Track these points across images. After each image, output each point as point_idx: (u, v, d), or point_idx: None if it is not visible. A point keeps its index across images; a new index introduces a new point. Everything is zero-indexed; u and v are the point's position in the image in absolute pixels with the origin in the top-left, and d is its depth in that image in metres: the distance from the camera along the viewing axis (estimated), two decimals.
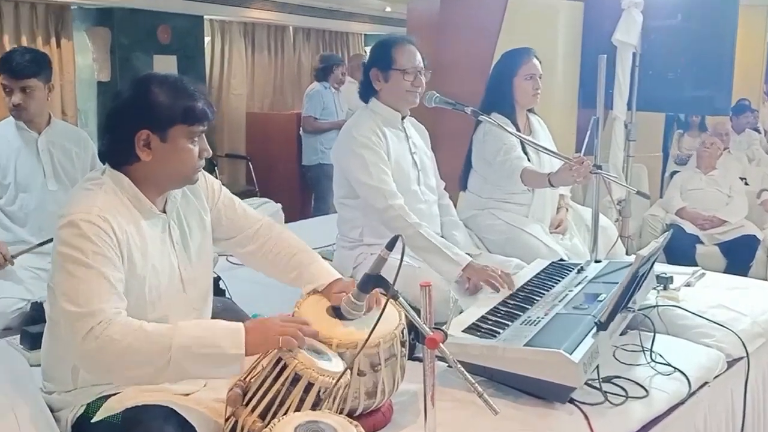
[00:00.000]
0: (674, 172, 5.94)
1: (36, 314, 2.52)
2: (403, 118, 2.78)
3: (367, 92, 2.76)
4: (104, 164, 1.75)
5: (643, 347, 2.29)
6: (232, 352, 1.55)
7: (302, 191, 6.87)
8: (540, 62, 3.11)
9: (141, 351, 1.51)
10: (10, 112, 2.89)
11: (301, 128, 6.36)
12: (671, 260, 4.36)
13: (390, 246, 1.64)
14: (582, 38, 4.43)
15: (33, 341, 2.24)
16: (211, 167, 6.48)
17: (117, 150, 1.71)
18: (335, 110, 6.20)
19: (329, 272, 1.96)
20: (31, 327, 2.34)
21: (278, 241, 2.02)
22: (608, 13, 4.13)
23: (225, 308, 2.37)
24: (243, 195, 5.81)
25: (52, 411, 1.72)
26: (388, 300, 1.59)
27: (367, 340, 1.57)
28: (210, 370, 1.57)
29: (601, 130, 3.01)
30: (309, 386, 1.55)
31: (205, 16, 7.00)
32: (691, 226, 4.95)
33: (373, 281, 1.68)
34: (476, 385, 1.50)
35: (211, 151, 1.78)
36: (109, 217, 1.62)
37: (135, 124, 1.67)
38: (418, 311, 1.70)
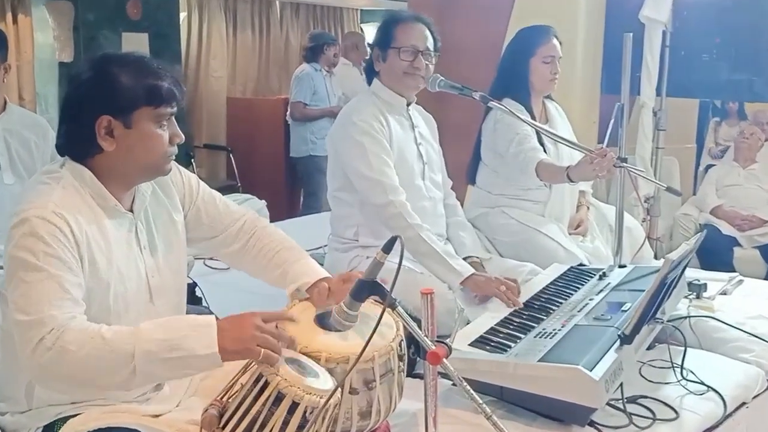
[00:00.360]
0: (709, 166, 5.95)
1: None
2: (408, 104, 2.79)
3: (369, 74, 2.80)
4: (63, 157, 1.74)
5: (672, 363, 2.29)
6: (204, 353, 1.52)
7: (290, 186, 6.87)
8: (560, 43, 3.11)
9: (102, 360, 1.49)
10: None
11: (288, 115, 6.35)
12: (706, 265, 4.35)
13: (387, 248, 1.63)
14: (605, 15, 4.41)
15: None
16: (187, 160, 6.48)
17: (76, 140, 1.70)
18: (327, 95, 6.20)
19: (315, 270, 1.97)
20: None
21: (263, 236, 2.03)
22: None
23: None
24: (223, 190, 5.72)
25: None
26: (384, 309, 1.58)
27: (361, 353, 1.56)
28: (183, 371, 1.57)
29: (626, 119, 3.00)
30: (294, 406, 1.53)
31: None
32: (727, 226, 4.96)
33: (368, 288, 1.67)
34: (484, 405, 1.50)
35: (183, 136, 1.77)
36: (67, 215, 1.61)
37: (94, 110, 1.66)
38: (419, 322, 1.70)
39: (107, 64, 1.69)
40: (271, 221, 4.22)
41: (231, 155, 7.15)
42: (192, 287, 2.66)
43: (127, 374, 1.50)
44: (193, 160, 6.78)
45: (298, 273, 1.96)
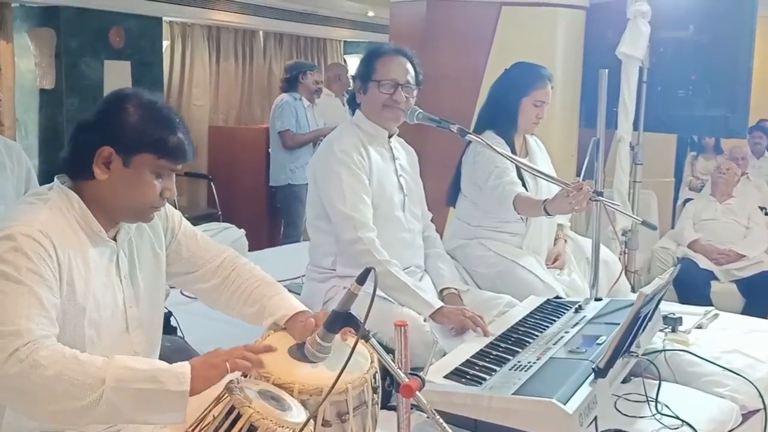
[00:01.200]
0: (688, 200, 6.02)
1: None
2: (390, 136, 2.82)
3: (352, 105, 2.85)
4: (58, 175, 1.76)
5: (647, 397, 2.30)
6: (175, 389, 1.52)
7: (271, 216, 6.86)
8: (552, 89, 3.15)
9: (70, 382, 1.48)
10: None
11: (280, 146, 6.22)
12: (683, 299, 4.39)
13: (361, 280, 1.64)
14: (583, 50, 4.48)
15: None
16: None
17: (74, 160, 1.73)
18: (308, 125, 6.18)
19: (292, 305, 1.97)
20: None
21: (241, 273, 2.03)
22: (613, 22, 4.18)
23: (176, 348, 2.36)
24: (204, 219, 5.82)
25: None
26: (357, 341, 1.58)
27: (333, 385, 1.56)
28: (147, 413, 1.54)
29: (602, 153, 3.03)
30: None
31: (163, 18, 7.03)
32: (705, 260, 5.00)
33: (342, 319, 1.67)
34: None
35: (175, 192, 1.79)
36: (52, 235, 1.61)
37: (100, 138, 1.69)
38: (394, 354, 1.69)
39: (126, 100, 1.72)
40: (252, 250, 4.25)
41: (212, 183, 7.14)
42: (167, 316, 2.64)
43: (92, 401, 1.48)
44: None
45: (275, 306, 1.96)
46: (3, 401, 1.63)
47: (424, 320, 2.54)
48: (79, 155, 1.71)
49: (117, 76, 6.31)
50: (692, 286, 4.72)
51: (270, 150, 6.36)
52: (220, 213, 6.78)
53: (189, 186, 7.51)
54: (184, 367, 1.57)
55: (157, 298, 1.90)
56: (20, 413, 1.64)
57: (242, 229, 4.17)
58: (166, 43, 7.29)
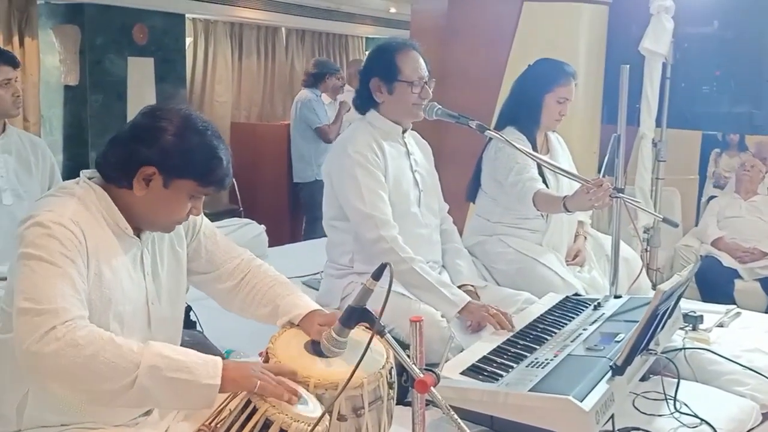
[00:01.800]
0: (712, 197, 5.95)
1: None
2: (404, 131, 2.81)
3: (365, 103, 2.78)
4: (84, 171, 1.78)
5: (666, 395, 2.28)
6: (206, 382, 1.55)
7: (292, 212, 6.89)
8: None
9: (106, 363, 1.50)
10: (12, 110, 3.01)
11: (310, 140, 6.21)
12: (706, 297, 4.36)
13: (377, 275, 1.64)
14: (606, 46, 4.45)
15: None
16: None
17: (116, 167, 1.73)
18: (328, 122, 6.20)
19: (307, 304, 1.97)
20: None
21: (256, 274, 2.03)
22: (636, 18, 4.16)
23: (195, 342, 2.38)
24: (225, 215, 5.86)
25: None
26: (372, 337, 1.59)
27: (348, 380, 1.56)
28: (177, 400, 1.57)
29: (623, 150, 3.01)
30: None
31: (186, 15, 7.07)
32: (728, 258, 4.94)
33: (358, 315, 1.68)
34: None
35: (201, 213, 1.84)
36: (82, 224, 1.64)
37: (149, 156, 1.69)
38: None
39: (186, 125, 1.72)
40: (272, 245, 4.26)
41: (234, 180, 7.16)
42: (187, 310, 2.66)
43: (125, 384, 1.50)
44: None
45: (290, 305, 1.96)
46: (37, 383, 1.63)
47: (442, 316, 2.54)
48: (121, 164, 1.72)
49: (140, 72, 6.37)
50: (715, 285, 4.67)
51: (292, 146, 6.38)
52: (241, 209, 6.81)
53: None
54: (216, 363, 1.59)
55: (178, 295, 1.91)
56: (50, 391, 1.64)
57: (263, 225, 4.18)
58: (189, 40, 7.33)
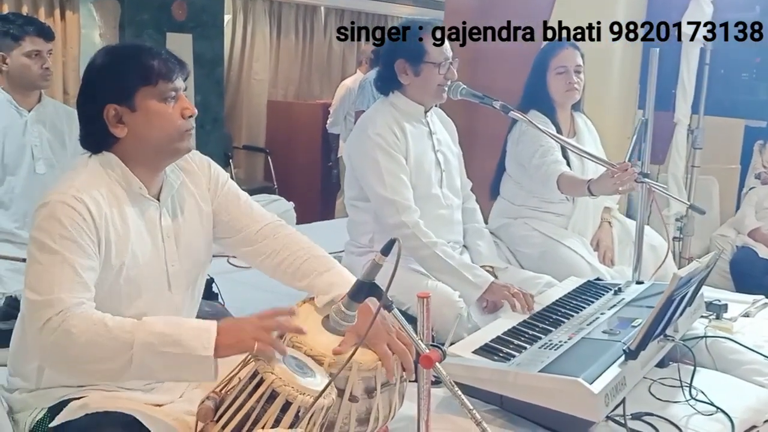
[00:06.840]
0: (752, 189, 5.84)
1: (11, 310, 2.59)
2: (426, 111, 2.81)
3: (388, 84, 2.77)
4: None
5: (682, 382, 2.27)
6: (199, 354, 1.55)
7: (324, 190, 6.94)
8: (581, 53, 3.11)
9: (101, 347, 1.54)
10: (40, 81, 3.02)
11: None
12: (741, 288, 4.29)
13: (386, 251, 1.65)
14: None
15: (3, 338, 2.30)
16: (225, 160, 6.59)
17: (92, 134, 1.77)
18: None
19: (346, 279, 1.90)
20: (2, 323, 2.42)
21: (287, 243, 1.97)
22: (675, 2, 4.09)
23: (214, 313, 2.41)
24: (259, 191, 5.91)
25: (12, 412, 1.78)
26: (378, 310, 1.60)
27: (350, 358, 1.56)
28: (178, 372, 1.59)
29: (650, 134, 2.98)
30: (287, 405, 1.55)
31: None
32: (765, 249, 4.86)
33: (367, 289, 1.69)
34: (474, 411, 1.50)
35: (194, 110, 1.79)
36: (86, 198, 1.67)
37: (100, 101, 1.73)
38: None
39: (100, 56, 1.77)
40: (300, 222, 4.30)
41: (269, 157, 7.24)
42: (209, 282, 2.71)
43: (123, 363, 1.54)
44: (231, 160, 6.89)
45: (326, 284, 1.90)
46: (51, 369, 1.72)
47: (459, 296, 2.55)
48: (92, 129, 1.76)
49: (179, 48, 6.39)
50: (750, 276, 4.60)
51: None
52: (276, 186, 6.88)
53: (246, 159, 7.63)
54: (210, 331, 1.58)
55: (199, 257, 1.90)
56: (69, 379, 1.74)
57: (291, 202, 4.22)
58: (227, 18, 7.38)
